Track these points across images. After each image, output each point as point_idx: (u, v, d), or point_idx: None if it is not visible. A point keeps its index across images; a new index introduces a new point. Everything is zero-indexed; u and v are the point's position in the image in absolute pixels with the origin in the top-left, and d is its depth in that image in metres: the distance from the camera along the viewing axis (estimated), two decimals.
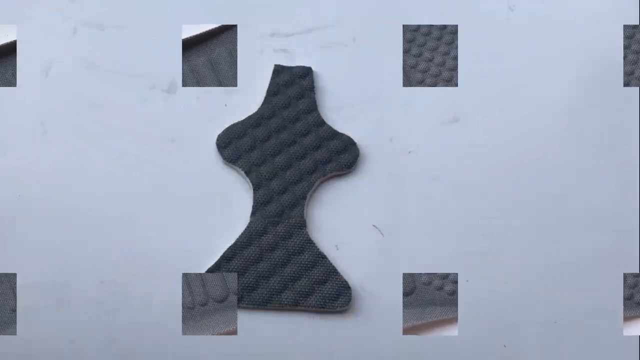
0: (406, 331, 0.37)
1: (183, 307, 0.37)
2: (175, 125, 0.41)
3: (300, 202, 0.39)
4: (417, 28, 0.43)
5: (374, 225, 0.39)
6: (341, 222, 0.39)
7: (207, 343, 0.37)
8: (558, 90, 0.42)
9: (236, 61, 0.43)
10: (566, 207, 0.39)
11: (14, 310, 0.37)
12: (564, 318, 0.37)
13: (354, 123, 0.41)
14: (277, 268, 0.37)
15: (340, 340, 0.37)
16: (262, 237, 0.38)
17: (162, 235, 0.38)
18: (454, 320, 0.37)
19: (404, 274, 0.37)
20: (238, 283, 0.37)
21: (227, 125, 0.40)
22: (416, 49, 0.43)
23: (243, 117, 0.41)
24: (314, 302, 0.37)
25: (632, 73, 0.42)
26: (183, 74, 0.42)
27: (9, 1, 0.45)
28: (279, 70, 0.42)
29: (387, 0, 0.45)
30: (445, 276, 0.37)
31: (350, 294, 0.37)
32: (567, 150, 0.41)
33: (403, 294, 0.37)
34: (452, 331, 0.37)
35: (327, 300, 0.37)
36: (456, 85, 0.42)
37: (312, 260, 0.37)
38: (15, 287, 0.37)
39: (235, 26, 0.43)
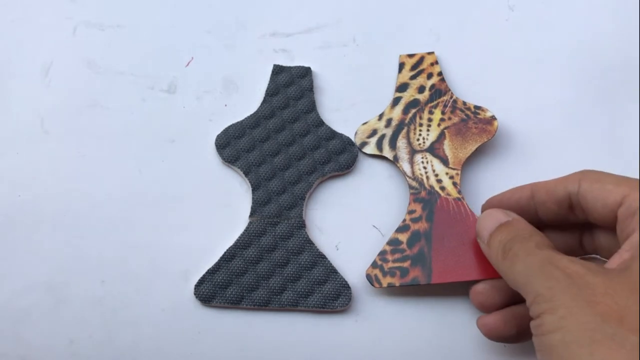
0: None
1: None
2: (175, 125, 0.41)
3: (299, 202, 0.39)
4: None
5: (374, 226, 0.39)
6: (341, 222, 0.39)
7: (207, 343, 0.37)
8: (558, 90, 0.42)
9: None
10: None
11: None
12: None
13: (353, 123, 0.41)
14: (277, 268, 0.37)
15: (340, 340, 0.37)
16: (262, 238, 0.38)
17: (162, 235, 0.38)
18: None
19: None
20: (239, 284, 0.37)
21: (226, 125, 0.41)
22: None
23: (243, 117, 0.41)
24: (314, 302, 0.37)
25: None
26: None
27: (9, 1, 0.45)
28: (278, 70, 0.42)
29: (387, 0, 0.45)
30: None
31: (350, 293, 0.37)
32: (567, 150, 0.41)
33: None
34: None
35: (327, 300, 0.37)
36: None
37: (312, 260, 0.37)
38: None
39: None
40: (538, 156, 0.41)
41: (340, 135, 0.40)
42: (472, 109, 0.40)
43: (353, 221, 0.39)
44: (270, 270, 0.37)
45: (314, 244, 0.38)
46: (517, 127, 0.41)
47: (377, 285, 0.37)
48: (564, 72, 0.43)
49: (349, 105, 0.42)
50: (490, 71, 0.43)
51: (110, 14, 0.44)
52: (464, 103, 0.41)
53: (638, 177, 0.40)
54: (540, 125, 0.41)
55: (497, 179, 0.40)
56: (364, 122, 0.41)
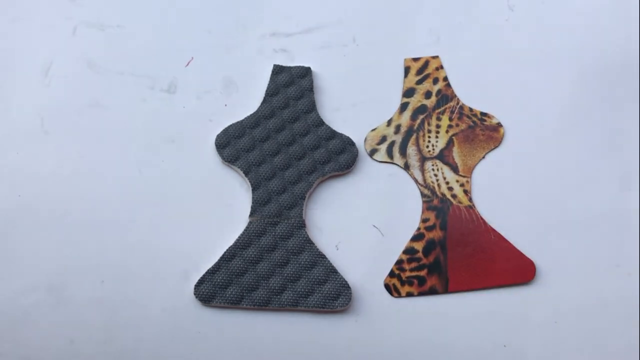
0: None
1: None
2: (175, 125, 0.41)
3: (299, 202, 0.39)
4: None
5: (374, 226, 0.39)
6: (341, 222, 0.39)
7: (207, 343, 0.37)
8: (558, 89, 0.42)
9: None
10: (566, 206, 0.39)
11: None
12: (564, 318, 0.37)
13: (353, 123, 0.41)
14: (277, 268, 0.37)
15: (340, 340, 0.37)
16: (262, 238, 0.38)
17: (162, 235, 0.38)
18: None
19: None
20: (238, 284, 0.37)
21: (226, 125, 0.40)
22: None
23: (243, 117, 0.41)
24: (314, 302, 0.37)
25: None
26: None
27: (9, 1, 0.45)
28: (278, 70, 0.42)
29: (387, 0, 0.45)
30: None
31: (350, 293, 0.37)
32: (566, 150, 0.41)
33: None
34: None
35: (327, 300, 0.37)
36: None
37: (312, 260, 0.37)
38: None
39: None
40: (537, 155, 0.40)
41: (340, 135, 0.40)
42: (479, 116, 0.40)
43: (353, 221, 0.39)
44: (270, 270, 0.37)
45: (314, 244, 0.38)
46: (517, 126, 0.41)
47: (395, 294, 0.37)
48: (563, 72, 0.43)
49: (349, 105, 0.42)
50: (490, 71, 0.43)
51: (110, 14, 0.44)
52: (470, 109, 0.41)
53: (638, 177, 0.40)
54: (540, 125, 0.41)
55: (499, 182, 0.40)
56: (373, 128, 0.41)
